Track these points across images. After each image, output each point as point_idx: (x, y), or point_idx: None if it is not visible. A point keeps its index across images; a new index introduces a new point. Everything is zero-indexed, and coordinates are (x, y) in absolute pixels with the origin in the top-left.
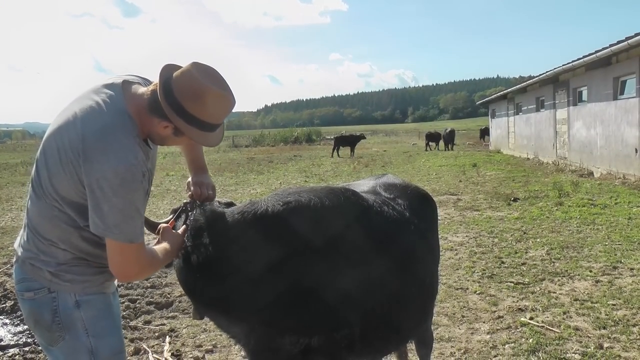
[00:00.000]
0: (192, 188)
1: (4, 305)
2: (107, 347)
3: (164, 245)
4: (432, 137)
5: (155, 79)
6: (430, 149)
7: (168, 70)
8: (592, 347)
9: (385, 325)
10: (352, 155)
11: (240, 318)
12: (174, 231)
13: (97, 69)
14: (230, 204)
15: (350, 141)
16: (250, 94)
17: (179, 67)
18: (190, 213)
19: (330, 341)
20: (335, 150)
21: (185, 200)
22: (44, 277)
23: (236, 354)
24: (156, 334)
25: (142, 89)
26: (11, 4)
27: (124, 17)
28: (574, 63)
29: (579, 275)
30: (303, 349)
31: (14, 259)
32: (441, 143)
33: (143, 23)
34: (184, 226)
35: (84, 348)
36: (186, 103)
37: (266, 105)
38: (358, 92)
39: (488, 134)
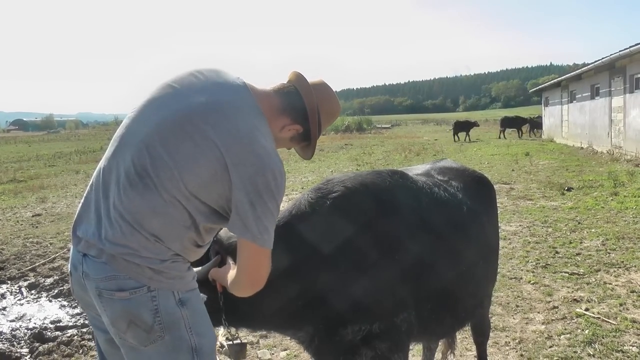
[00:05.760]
0: None
1: (62, 287)
2: (208, 344)
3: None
4: (510, 123)
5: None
6: (504, 137)
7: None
8: None
9: (440, 308)
10: (467, 139)
11: (307, 323)
12: (229, 264)
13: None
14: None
15: (466, 126)
16: None
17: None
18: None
19: (391, 326)
20: (456, 135)
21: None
22: (144, 274)
23: (290, 340)
24: None
25: (262, 86)
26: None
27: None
28: (631, 49)
29: (635, 266)
30: (364, 336)
31: (91, 253)
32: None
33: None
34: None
35: (185, 347)
36: (322, 114)
37: None
38: (409, 81)
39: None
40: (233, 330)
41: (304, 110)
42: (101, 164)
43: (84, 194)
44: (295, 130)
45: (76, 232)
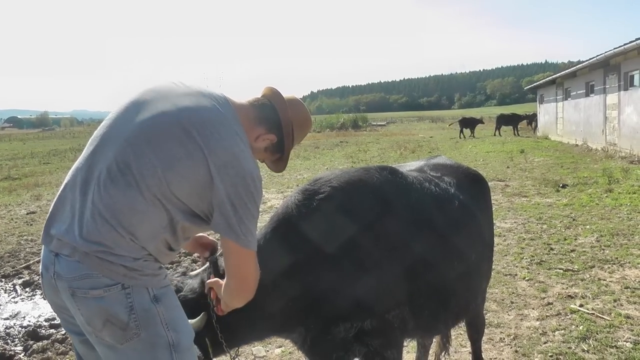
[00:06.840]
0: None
1: None
2: (186, 339)
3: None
4: (506, 120)
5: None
6: (500, 134)
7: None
8: None
9: (434, 304)
10: (472, 136)
11: (299, 324)
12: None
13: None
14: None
15: (471, 123)
16: (296, 81)
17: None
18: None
19: (383, 323)
20: (461, 132)
21: (205, 257)
22: (117, 272)
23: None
24: None
25: (238, 99)
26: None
27: None
28: (625, 46)
29: (629, 262)
30: (357, 333)
31: (63, 252)
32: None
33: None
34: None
35: (163, 343)
36: (296, 127)
37: (312, 92)
38: (404, 78)
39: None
40: (233, 352)
41: (278, 122)
42: (78, 163)
43: (57, 193)
44: (270, 140)
45: (49, 230)
